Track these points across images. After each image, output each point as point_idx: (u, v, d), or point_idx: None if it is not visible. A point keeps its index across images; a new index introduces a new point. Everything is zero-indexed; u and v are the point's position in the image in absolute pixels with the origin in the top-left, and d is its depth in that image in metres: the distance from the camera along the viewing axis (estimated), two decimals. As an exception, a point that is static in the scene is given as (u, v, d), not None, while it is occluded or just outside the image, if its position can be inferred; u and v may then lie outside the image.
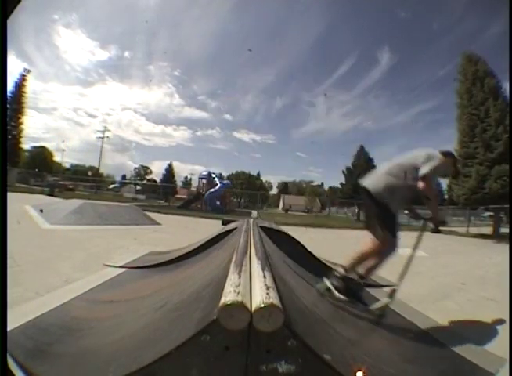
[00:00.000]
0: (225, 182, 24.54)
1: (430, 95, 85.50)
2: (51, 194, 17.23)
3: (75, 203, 8.28)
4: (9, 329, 1.14)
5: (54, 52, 72.28)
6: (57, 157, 51.29)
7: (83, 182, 34.22)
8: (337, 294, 2.01)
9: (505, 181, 12.57)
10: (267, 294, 0.89)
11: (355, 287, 2.09)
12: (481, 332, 2.29)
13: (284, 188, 69.90)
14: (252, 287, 1.00)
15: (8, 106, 28.59)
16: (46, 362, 1.16)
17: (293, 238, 3.74)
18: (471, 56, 15.94)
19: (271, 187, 73.54)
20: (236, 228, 3.54)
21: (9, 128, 29.85)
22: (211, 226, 7.44)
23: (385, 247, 2.05)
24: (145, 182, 53.87)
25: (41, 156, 47.09)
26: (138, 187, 44.17)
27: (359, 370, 0.97)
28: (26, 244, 4.03)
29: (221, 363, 0.83)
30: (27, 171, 32.05)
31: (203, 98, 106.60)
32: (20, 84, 32.92)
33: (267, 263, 1.37)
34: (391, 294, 2.07)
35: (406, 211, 2.35)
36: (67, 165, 59.24)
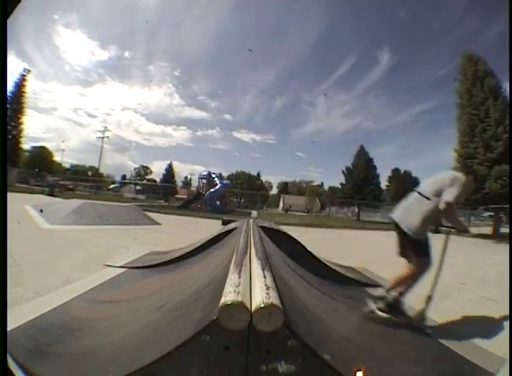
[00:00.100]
0: (225, 182, 24.53)
1: (430, 95, 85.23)
2: (51, 194, 17.23)
3: (75, 203, 8.28)
4: (8, 329, 1.14)
5: (54, 52, 72.22)
6: (57, 157, 51.32)
7: (83, 182, 34.20)
8: (380, 313, 2.16)
9: (505, 181, 12.56)
10: (267, 294, 0.89)
11: (395, 304, 2.23)
12: (481, 332, 2.29)
13: (284, 188, 69.88)
14: (252, 287, 1.00)
15: (8, 106, 28.59)
16: (46, 362, 1.16)
17: (293, 238, 3.74)
18: (471, 56, 15.95)
19: (271, 187, 73.55)
20: (236, 228, 3.54)
21: (9, 128, 29.84)
22: (211, 226, 7.44)
23: (420, 270, 2.23)
24: (145, 182, 53.84)
25: (41, 156, 47.07)
26: (138, 187, 44.14)
27: (359, 370, 0.97)
28: (26, 244, 4.03)
29: (221, 363, 0.83)
30: (27, 171, 32.04)
31: (203, 98, 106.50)
32: (20, 84, 32.91)
33: (267, 263, 1.37)
34: (427, 301, 2.23)
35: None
36: (67, 165, 59.17)
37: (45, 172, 32.49)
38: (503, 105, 14.02)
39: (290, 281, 1.76)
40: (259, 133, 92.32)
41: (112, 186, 42.20)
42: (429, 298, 2.23)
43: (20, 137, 32.69)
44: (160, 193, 34.90)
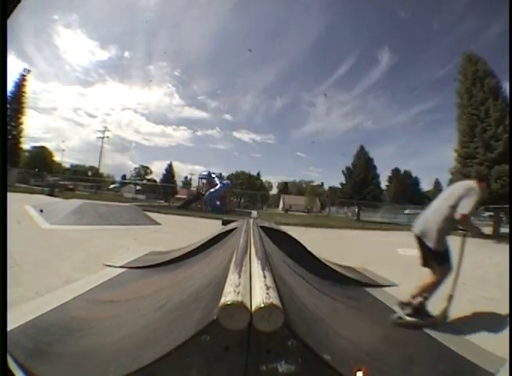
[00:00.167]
0: (225, 182, 24.54)
1: (430, 95, 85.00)
2: (51, 194, 17.23)
3: (75, 203, 8.28)
4: (9, 329, 1.14)
5: (54, 52, 72.04)
6: (57, 157, 51.25)
7: (83, 182, 34.18)
8: (408, 318, 2.32)
9: (505, 181, 12.55)
10: (267, 294, 0.89)
11: (420, 308, 2.39)
12: (481, 332, 2.29)
13: (284, 188, 69.85)
14: (252, 287, 1.00)
15: (8, 106, 28.59)
16: (46, 362, 1.16)
17: (293, 238, 3.74)
18: (471, 56, 15.94)
19: (271, 187, 73.48)
20: (236, 228, 3.55)
21: (9, 128, 29.83)
22: (211, 226, 7.44)
23: (443, 276, 2.42)
24: (145, 182, 53.78)
25: (41, 156, 47.03)
26: (138, 187, 44.12)
27: (359, 370, 0.97)
28: (26, 244, 4.03)
29: (221, 363, 0.83)
30: (27, 171, 32.02)
31: (203, 98, 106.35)
32: (20, 84, 32.89)
33: (267, 263, 1.37)
34: (449, 299, 2.39)
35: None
36: (67, 165, 59.04)
37: (45, 172, 32.47)
38: (503, 105, 14.00)
39: (290, 281, 1.76)
40: (259, 133, 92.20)
41: (112, 186, 42.21)
42: (450, 297, 2.39)
43: (20, 137, 32.67)
44: (160, 193, 34.89)
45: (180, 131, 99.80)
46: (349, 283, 3.24)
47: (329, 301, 2.32)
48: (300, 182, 74.91)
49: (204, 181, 24.02)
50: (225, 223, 5.54)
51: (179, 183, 53.85)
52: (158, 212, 12.71)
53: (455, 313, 2.76)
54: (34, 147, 48.90)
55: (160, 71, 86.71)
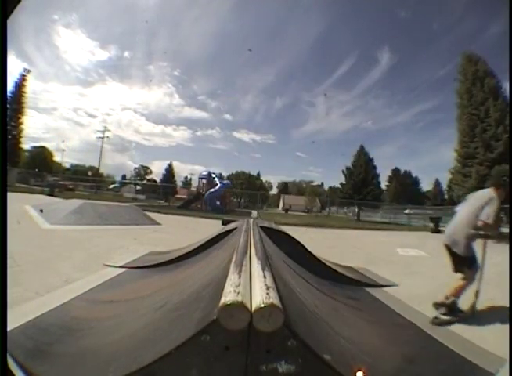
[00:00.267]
0: (225, 182, 24.54)
1: (430, 95, 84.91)
2: (51, 194, 17.22)
3: (75, 203, 8.28)
4: (9, 329, 1.14)
5: (54, 52, 72.00)
6: (57, 157, 51.23)
7: (83, 182, 34.16)
8: (443, 317, 2.57)
9: (505, 181, 12.55)
10: (267, 294, 0.89)
11: (453, 307, 2.68)
12: (481, 332, 2.29)
13: (284, 188, 69.85)
14: (252, 287, 1.00)
15: (8, 106, 28.58)
16: (46, 362, 1.16)
17: (293, 238, 3.74)
18: (471, 56, 15.93)
19: (271, 187, 73.47)
20: (236, 228, 3.54)
21: (9, 128, 29.83)
22: (211, 226, 7.44)
23: (473, 278, 2.69)
24: (145, 182, 53.76)
25: (41, 156, 46.99)
26: (138, 187, 44.09)
27: (359, 370, 0.96)
28: (26, 244, 4.03)
29: (221, 363, 0.83)
30: (27, 171, 32.00)
31: (203, 98, 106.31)
32: (20, 84, 32.89)
33: (267, 263, 1.37)
34: (476, 295, 2.68)
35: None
36: (67, 165, 59.03)
37: (45, 172, 32.46)
38: (503, 105, 14.00)
39: (290, 281, 1.76)
40: (259, 133, 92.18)
41: (112, 186, 42.18)
42: (477, 293, 2.68)
43: (20, 137, 32.67)
44: (160, 193, 34.87)
45: (180, 131, 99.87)
46: (349, 283, 3.24)
47: (329, 301, 2.31)
48: (300, 182, 74.93)
49: (204, 181, 24.02)
50: (225, 223, 5.55)
51: (179, 183, 53.86)
52: (158, 212, 12.71)
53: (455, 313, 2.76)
54: (34, 147, 48.91)
55: (160, 71, 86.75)
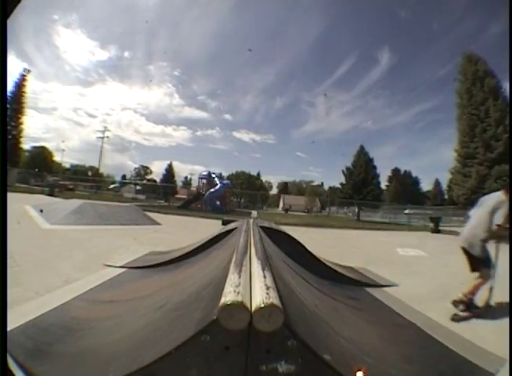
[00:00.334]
0: (225, 182, 24.54)
1: (430, 95, 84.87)
2: (51, 194, 17.22)
3: (75, 203, 8.28)
4: (9, 329, 1.14)
5: (54, 52, 72.03)
6: (57, 157, 51.24)
7: (83, 182, 34.15)
8: (462, 314, 2.80)
9: (505, 181, 12.56)
10: (267, 294, 0.89)
11: (471, 304, 2.89)
12: (481, 332, 2.29)
13: (284, 188, 69.84)
14: (252, 287, 1.00)
15: (8, 106, 28.58)
16: (46, 362, 1.16)
17: (293, 238, 3.74)
18: (471, 56, 15.96)
19: (271, 187, 73.46)
20: (236, 228, 3.54)
21: (9, 128, 29.84)
22: (211, 226, 7.44)
23: (490, 276, 2.88)
24: (145, 182, 53.76)
25: (41, 156, 46.99)
26: (138, 187, 44.08)
27: (359, 370, 0.96)
28: (26, 244, 4.03)
29: (221, 363, 0.83)
30: (27, 171, 31.99)
31: (203, 98, 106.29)
32: (20, 84, 32.91)
33: (267, 263, 1.37)
34: (490, 291, 2.89)
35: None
36: (67, 165, 59.07)
37: (45, 172, 32.46)
38: (503, 105, 14.02)
39: (290, 281, 1.76)
40: (259, 133, 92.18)
41: (112, 186, 42.17)
42: (491, 289, 2.87)
43: (20, 137, 32.71)
44: (160, 193, 34.87)
45: (180, 131, 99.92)
46: (349, 283, 3.24)
47: (329, 301, 2.31)
48: (300, 182, 74.93)
49: (204, 181, 24.03)
50: (225, 223, 5.54)
51: (179, 183, 53.86)
52: (158, 212, 12.72)
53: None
54: (34, 147, 48.93)
55: (160, 71, 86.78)
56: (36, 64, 70.54)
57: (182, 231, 8.15)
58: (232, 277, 1.04)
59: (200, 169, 44.03)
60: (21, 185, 22.96)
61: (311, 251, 3.60)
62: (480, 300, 2.94)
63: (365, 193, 23.66)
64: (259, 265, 1.29)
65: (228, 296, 0.85)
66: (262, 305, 0.82)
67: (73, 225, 6.36)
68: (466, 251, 3.01)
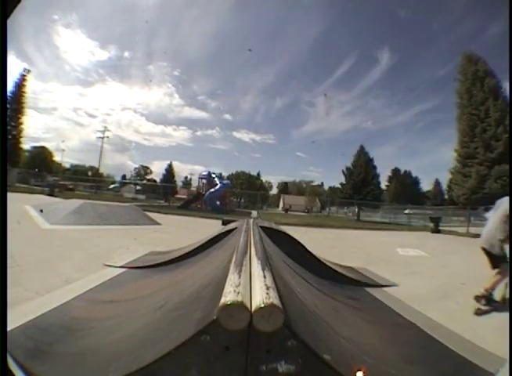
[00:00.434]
0: (225, 182, 24.54)
1: (430, 95, 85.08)
2: (51, 194, 17.22)
3: (75, 203, 8.28)
4: (8, 329, 1.14)
5: (54, 52, 72.20)
6: (57, 157, 51.27)
7: (83, 182, 34.14)
8: (484, 307, 3.00)
9: (505, 181, 12.56)
10: (267, 294, 0.89)
11: (491, 298, 3.09)
12: (481, 332, 2.29)
13: (284, 188, 69.86)
14: (252, 287, 1.00)
15: (8, 106, 28.57)
16: (46, 362, 1.16)
17: (293, 238, 3.74)
18: (471, 56, 15.96)
19: (271, 187, 73.49)
20: (236, 228, 3.54)
21: (9, 128, 29.84)
22: (211, 226, 7.44)
23: (507, 271, 3.04)
24: (145, 182, 53.79)
25: (41, 156, 47.00)
26: (138, 187, 44.08)
27: (359, 370, 0.96)
28: (26, 244, 4.03)
29: (221, 363, 0.83)
30: (27, 171, 31.98)
31: (203, 98, 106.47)
32: (20, 84, 32.92)
33: (267, 263, 1.37)
34: (506, 286, 3.12)
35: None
36: (67, 165, 59.17)
37: (45, 172, 32.43)
38: (503, 105, 14.02)
39: (290, 281, 1.76)
40: (259, 133, 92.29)
41: (112, 186, 42.15)
42: (506, 285, 3.10)
43: (20, 137, 32.73)
44: (160, 193, 34.85)
45: (180, 131, 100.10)
46: (349, 283, 3.24)
47: (329, 301, 2.31)
48: (300, 182, 74.95)
49: (204, 181, 24.03)
50: (225, 223, 5.54)
51: (179, 183, 53.88)
52: (158, 212, 12.71)
53: (455, 313, 2.76)
54: (34, 147, 48.96)
55: (160, 71, 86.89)
56: (36, 64, 70.71)
57: (182, 231, 8.15)
58: (232, 277, 1.04)
59: (200, 169, 44.09)
60: (21, 185, 22.96)
61: (311, 251, 3.60)
62: (497, 295, 3.15)
63: (365, 193, 23.65)
64: (259, 265, 1.29)
65: (228, 296, 0.85)
66: (262, 305, 0.82)
67: (73, 225, 6.36)
68: (486, 252, 3.25)
